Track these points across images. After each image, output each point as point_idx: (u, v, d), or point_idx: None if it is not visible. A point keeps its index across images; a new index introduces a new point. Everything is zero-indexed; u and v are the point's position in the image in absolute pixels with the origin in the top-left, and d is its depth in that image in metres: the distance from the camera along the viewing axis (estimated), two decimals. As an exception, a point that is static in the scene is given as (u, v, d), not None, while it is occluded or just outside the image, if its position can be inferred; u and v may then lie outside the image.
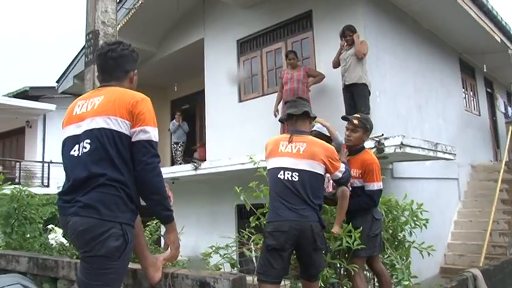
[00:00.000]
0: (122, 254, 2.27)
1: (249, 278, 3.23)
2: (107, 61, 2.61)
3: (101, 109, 2.41)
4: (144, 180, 2.38)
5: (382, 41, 7.67)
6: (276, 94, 7.77)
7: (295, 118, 3.62)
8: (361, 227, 3.87)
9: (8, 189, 5.29)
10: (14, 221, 5.08)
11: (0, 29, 67.30)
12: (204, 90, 10.06)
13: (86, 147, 2.35)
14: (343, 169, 3.54)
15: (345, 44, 6.83)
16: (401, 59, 8.17)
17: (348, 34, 6.78)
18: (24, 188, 5.31)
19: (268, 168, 3.55)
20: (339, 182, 3.64)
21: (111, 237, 2.22)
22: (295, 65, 7.48)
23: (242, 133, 8.65)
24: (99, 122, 2.37)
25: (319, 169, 3.37)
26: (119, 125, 2.36)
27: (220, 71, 9.57)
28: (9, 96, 17.64)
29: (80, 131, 2.41)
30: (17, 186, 5.48)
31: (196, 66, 10.31)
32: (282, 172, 3.34)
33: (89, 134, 2.37)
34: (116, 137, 2.35)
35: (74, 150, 2.39)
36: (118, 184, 2.30)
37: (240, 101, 9.17)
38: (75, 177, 2.32)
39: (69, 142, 2.44)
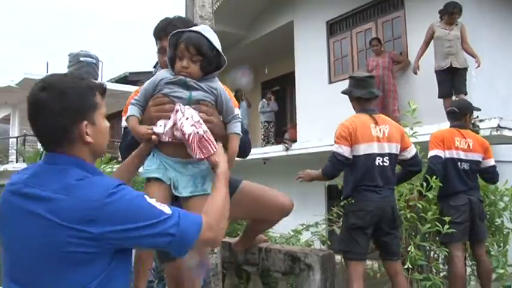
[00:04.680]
0: None
1: (337, 257, 3.34)
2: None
3: None
4: None
5: (481, 17, 7.28)
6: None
7: (371, 99, 3.58)
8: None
9: (111, 168, 5.80)
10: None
11: (105, 17, 71.69)
12: (294, 72, 10.18)
13: None
14: (414, 149, 3.56)
15: (447, 22, 6.52)
16: (501, 35, 7.69)
17: (456, 12, 6.43)
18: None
19: (360, 153, 3.37)
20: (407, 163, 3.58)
21: None
22: (379, 52, 7.58)
23: (332, 114, 8.62)
24: None
25: (399, 150, 3.44)
26: None
27: (310, 52, 9.63)
28: (112, 82, 18.91)
29: None
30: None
31: (286, 49, 10.42)
32: (377, 158, 3.35)
33: None
34: None
35: None
36: None
37: (330, 82, 9.18)
38: None
39: None
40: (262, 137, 12.22)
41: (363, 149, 3.37)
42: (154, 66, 14.16)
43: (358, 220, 3.28)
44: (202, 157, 1.77)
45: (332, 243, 4.04)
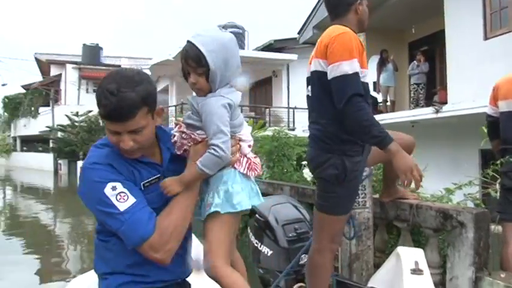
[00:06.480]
0: (342, 181, 2.48)
1: (492, 227, 3.27)
2: (328, 1, 2.63)
3: (313, 52, 2.59)
4: (345, 117, 2.37)
5: None
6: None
7: None
8: None
9: (269, 131, 6.37)
10: (274, 157, 6.08)
11: (246, -13, 73.73)
12: (443, 30, 9.63)
13: (309, 90, 2.65)
14: None
15: None
16: None
17: None
18: (282, 129, 6.27)
19: (502, 109, 3.36)
20: None
21: (330, 166, 2.47)
22: None
23: (488, 74, 8.07)
24: (312, 66, 2.56)
25: None
26: (320, 65, 2.47)
27: (462, 7, 9.01)
28: (257, 50, 19.69)
29: (308, 73, 2.65)
30: (276, 128, 6.49)
31: (434, 5, 9.85)
32: None
33: (310, 77, 2.62)
34: (320, 77, 2.47)
35: (308, 91, 2.70)
36: (321, 125, 2.54)
37: (486, 38, 8.52)
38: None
39: (307, 83, 2.75)
40: (411, 99, 11.86)
41: (503, 106, 3.34)
42: (299, 32, 14.42)
43: (509, 181, 3.23)
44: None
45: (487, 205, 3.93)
